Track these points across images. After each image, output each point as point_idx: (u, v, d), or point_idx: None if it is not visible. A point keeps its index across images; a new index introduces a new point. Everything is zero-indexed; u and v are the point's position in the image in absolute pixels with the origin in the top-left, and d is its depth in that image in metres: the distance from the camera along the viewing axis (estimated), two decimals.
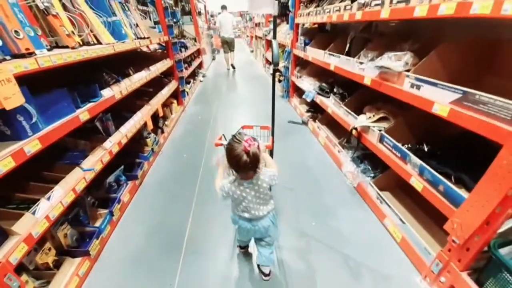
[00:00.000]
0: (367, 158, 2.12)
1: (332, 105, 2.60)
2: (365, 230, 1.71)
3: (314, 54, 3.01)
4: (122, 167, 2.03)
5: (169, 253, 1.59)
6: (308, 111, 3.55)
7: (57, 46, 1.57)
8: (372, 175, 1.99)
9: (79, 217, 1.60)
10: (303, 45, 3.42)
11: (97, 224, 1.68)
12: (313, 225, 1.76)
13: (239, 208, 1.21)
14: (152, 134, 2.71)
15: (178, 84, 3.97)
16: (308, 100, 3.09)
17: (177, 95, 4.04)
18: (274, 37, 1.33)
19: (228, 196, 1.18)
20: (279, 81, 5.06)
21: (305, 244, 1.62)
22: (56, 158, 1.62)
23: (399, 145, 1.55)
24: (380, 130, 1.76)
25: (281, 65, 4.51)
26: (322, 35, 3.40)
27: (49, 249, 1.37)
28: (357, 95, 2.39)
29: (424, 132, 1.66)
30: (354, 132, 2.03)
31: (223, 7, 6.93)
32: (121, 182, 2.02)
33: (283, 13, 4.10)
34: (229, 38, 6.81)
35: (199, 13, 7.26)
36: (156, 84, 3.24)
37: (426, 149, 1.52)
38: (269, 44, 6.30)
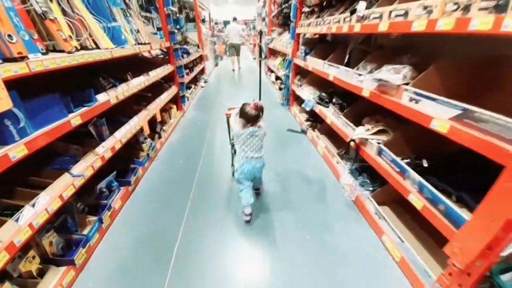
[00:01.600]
0: (366, 170, 2.06)
1: (331, 115, 2.57)
2: (362, 247, 1.64)
3: (314, 64, 3.00)
4: (115, 172, 1.99)
5: (158, 265, 1.53)
6: (307, 120, 3.53)
7: (54, 50, 1.56)
8: (371, 188, 1.93)
9: (66, 224, 1.55)
10: (303, 54, 3.42)
11: (85, 231, 1.63)
12: (307, 239, 1.70)
13: (245, 148, 1.71)
14: (149, 139, 2.68)
15: (178, 90, 3.97)
16: (307, 109, 3.06)
17: (177, 100, 4.03)
18: (260, 42, 2.12)
19: (238, 136, 1.71)
20: (280, 89, 5.06)
21: (298, 259, 1.56)
22: (46, 162, 1.58)
23: (398, 159, 1.51)
24: (378, 143, 1.72)
25: (282, 73, 4.53)
26: (323, 45, 3.40)
27: (33, 257, 1.32)
28: (356, 106, 2.36)
29: (423, 147, 1.61)
30: (352, 144, 1.99)
31: (234, 19, 8.24)
32: (113, 188, 1.97)
33: (285, 23, 4.14)
34: (236, 44, 8.00)
35: (203, 21, 7.40)
36: (155, 89, 3.24)
37: (426, 164, 1.47)
38: (271, 51, 6.41)
